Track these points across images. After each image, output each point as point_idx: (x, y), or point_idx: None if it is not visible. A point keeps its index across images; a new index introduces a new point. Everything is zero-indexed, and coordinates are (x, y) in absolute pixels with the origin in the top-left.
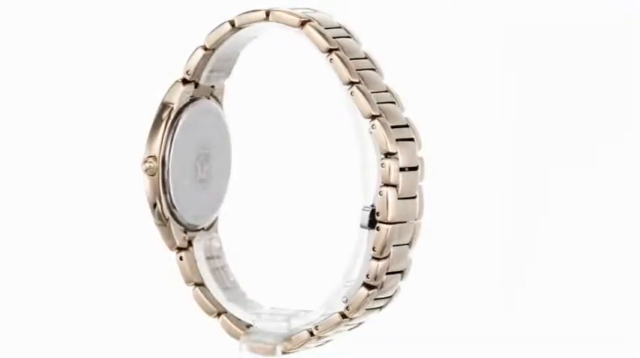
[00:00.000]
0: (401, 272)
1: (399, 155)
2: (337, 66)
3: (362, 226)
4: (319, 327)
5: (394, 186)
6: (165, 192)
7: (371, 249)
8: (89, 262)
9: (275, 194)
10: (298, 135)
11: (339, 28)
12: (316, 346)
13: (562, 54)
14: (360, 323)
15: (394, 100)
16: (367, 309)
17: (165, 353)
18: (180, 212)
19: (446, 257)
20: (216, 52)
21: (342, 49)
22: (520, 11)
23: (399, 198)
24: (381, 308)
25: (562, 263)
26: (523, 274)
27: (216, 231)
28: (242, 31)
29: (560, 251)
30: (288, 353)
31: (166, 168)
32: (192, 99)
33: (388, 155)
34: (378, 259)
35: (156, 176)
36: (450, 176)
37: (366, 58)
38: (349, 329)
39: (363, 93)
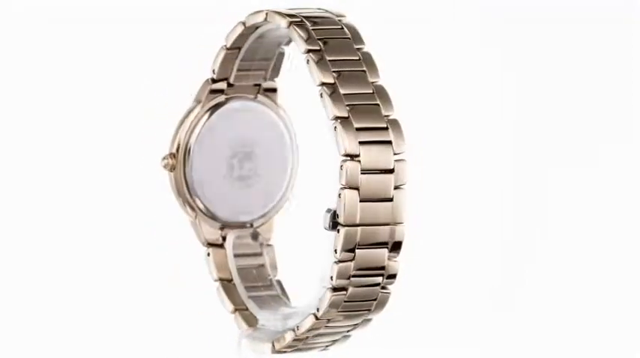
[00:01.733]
0: (380, 275)
1: (362, 157)
2: (311, 67)
3: (325, 228)
4: (299, 327)
5: (355, 188)
6: (189, 189)
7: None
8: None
9: None
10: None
11: (341, 29)
12: (326, 347)
13: (560, 54)
14: (355, 325)
15: (377, 102)
16: (344, 312)
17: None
18: (212, 208)
19: (447, 258)
20: (243, 52)
21: (327, 50)
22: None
23: (362, 201)
24: (369, 310)
25: (558, 266)
26: (521, 277)
27: (269, 229)
28: (258, 30)
29: (556, 253)
30: (280, 352)
31: (189, 164)
32: (230, 98)
33: (349, 157)
34: (339, 262)
35: (177, 172)
36: (449, 177)
37: (359, 59)
38: (348, 331)
39: (330, 95)
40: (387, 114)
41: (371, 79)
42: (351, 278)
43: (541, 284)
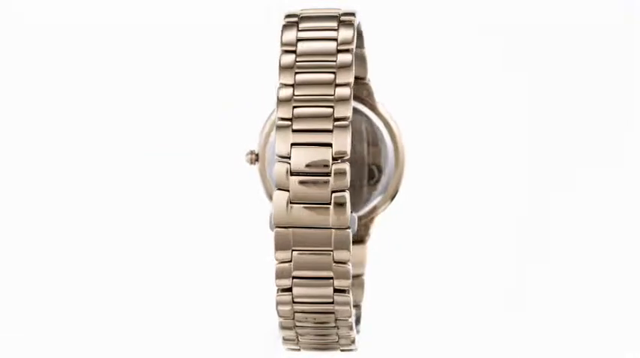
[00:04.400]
0: (327, 278)
1: (292, 159)
2: (278, 69)
3: (270, 229)
4: None
5: (285, 189)
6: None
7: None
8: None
9: None
10: None
11: (335, 29)
12: (342, 350)
13: (560, 55)
14: (333, 327)
15: (332, 105)
16: (302, 313)
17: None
18: None
19: (448, 259)
20: None
21: (301, 52)
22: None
23: (294, 203)
24: (332, 313)
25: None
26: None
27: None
28: None
29: (554, 255)
30: (289, 349)
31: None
32: None
33: (281, 158)
34: (277, 263)
35: (259, 169)
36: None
37: (334, 62)
38: (336, 331)
39: (279, 96)
40: (340, 117)
41: (340, 82)
42: (294, 280)
43: (540, 285)
